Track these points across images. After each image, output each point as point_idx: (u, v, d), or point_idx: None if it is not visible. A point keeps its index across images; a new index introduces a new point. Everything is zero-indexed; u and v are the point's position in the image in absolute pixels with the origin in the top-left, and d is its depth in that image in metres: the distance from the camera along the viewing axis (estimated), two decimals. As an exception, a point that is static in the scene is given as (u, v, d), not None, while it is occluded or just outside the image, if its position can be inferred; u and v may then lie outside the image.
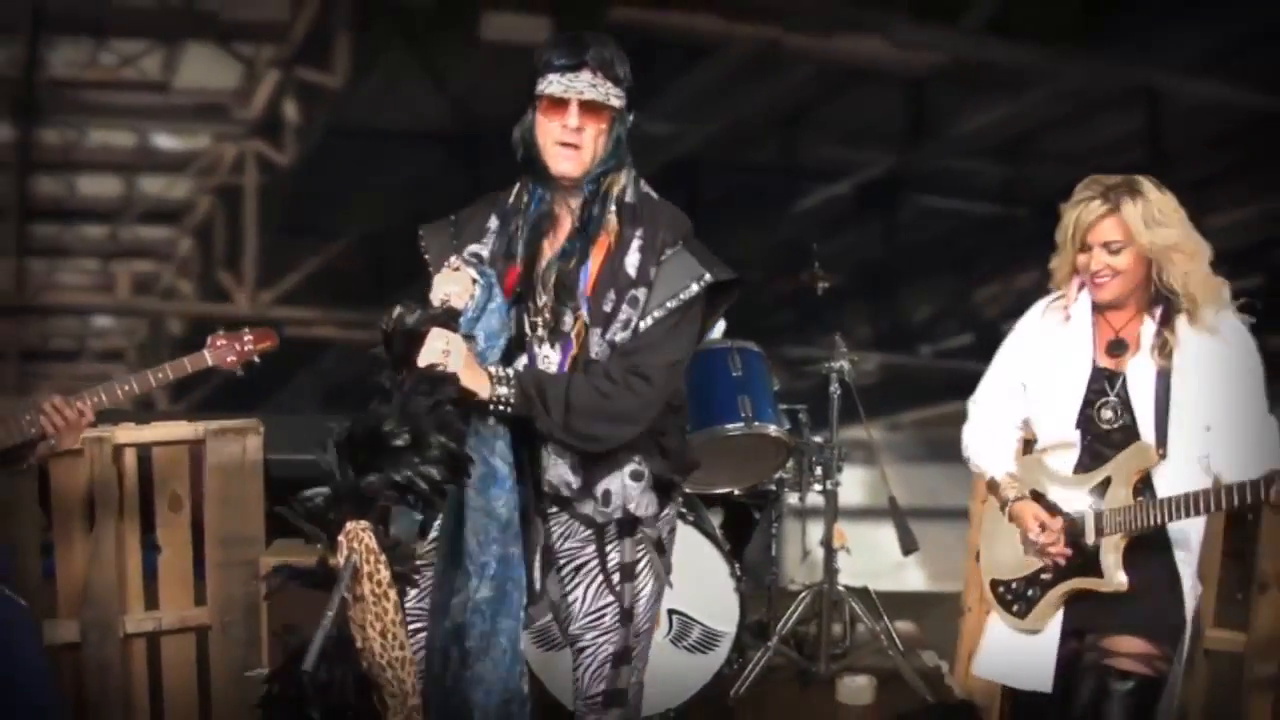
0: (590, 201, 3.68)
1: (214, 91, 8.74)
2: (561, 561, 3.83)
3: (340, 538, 3.29)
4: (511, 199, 3.77)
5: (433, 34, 8.57)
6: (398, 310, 3.45)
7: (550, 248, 3.72)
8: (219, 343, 4.30)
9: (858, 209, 8.69)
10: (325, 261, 8.56)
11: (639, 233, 3.69)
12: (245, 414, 5.26)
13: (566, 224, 3.72)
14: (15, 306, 8.57)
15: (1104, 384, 4.02)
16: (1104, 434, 4.01)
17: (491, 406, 3.53)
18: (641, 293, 3.66)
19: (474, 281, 3.59)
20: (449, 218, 3.84)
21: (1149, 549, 3.95)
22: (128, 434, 5.06)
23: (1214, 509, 3.87)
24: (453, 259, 3.66)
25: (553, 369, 3.67)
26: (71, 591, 5.02)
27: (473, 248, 3.72)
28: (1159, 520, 3.87)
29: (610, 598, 3.80)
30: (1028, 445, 4.32)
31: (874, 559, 6.19)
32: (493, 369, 3.53)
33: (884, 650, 5.74)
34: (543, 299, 3.69)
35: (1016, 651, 4.13)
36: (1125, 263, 3.94)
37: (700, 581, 5.34)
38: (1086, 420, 4.03)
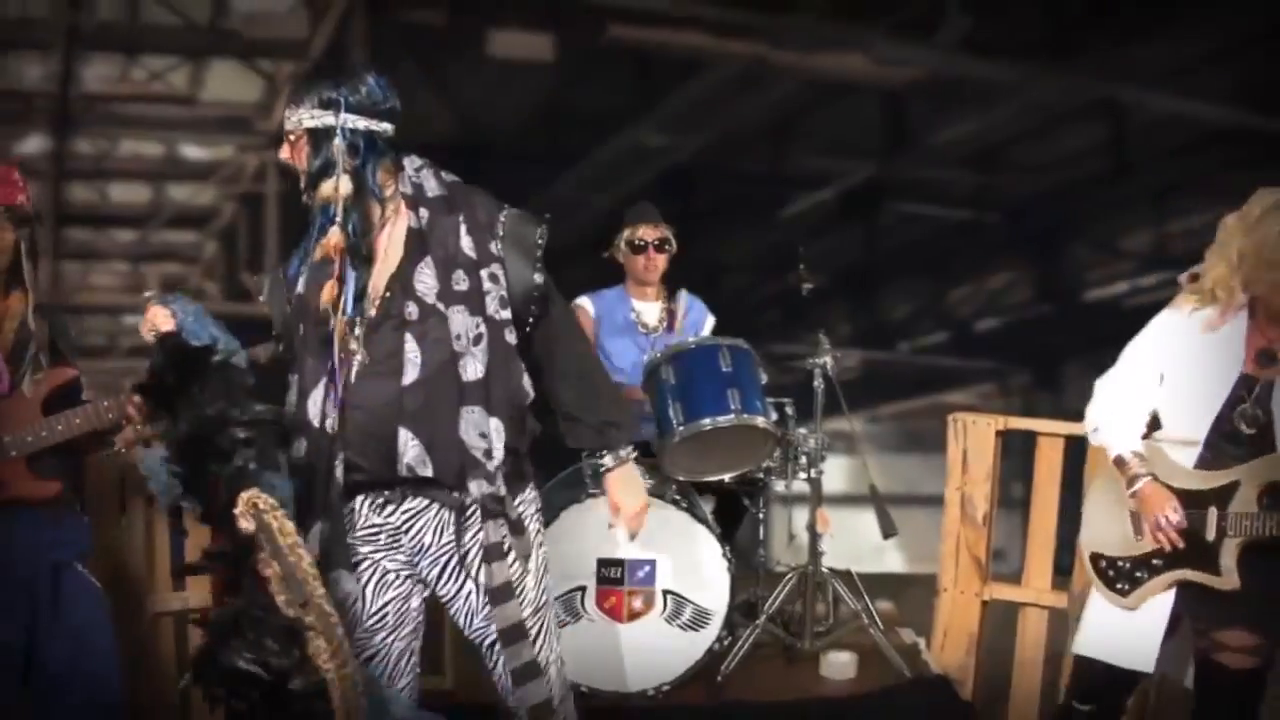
0: (316, 216, 3.69)
1: (237, 105, 8.74)
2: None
3: (237, 510, 3.34)
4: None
5: (442, 51, 8.56)
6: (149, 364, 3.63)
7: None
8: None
9: (840, 215, 8.69)
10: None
11: (463, 214, 3.72)
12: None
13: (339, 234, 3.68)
14: (51, 306, 8.51)
15: (1245, 391, 3.93)
16: (1235, 437, 3.93)
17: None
18: (499, 268, 3.68)
19: (165, 305, 3.69)
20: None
21: (1262, 546, 3.89)
22: (156, 425, 5.05)
23: None
24: (144, 294, 3.75)
25: (362, 364, 3.63)
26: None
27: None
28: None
29: (508, 570, 3.66)
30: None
31: (855, 543, 6.18)
32: (623, 457, 3.81)
33: (865, 628, 5.73)
34: (341, 301, 3.67)
35: (1121, 632, 4.05)
36: None
37: (693, 564, 5.34)
38: (1221, 422, 3.94)
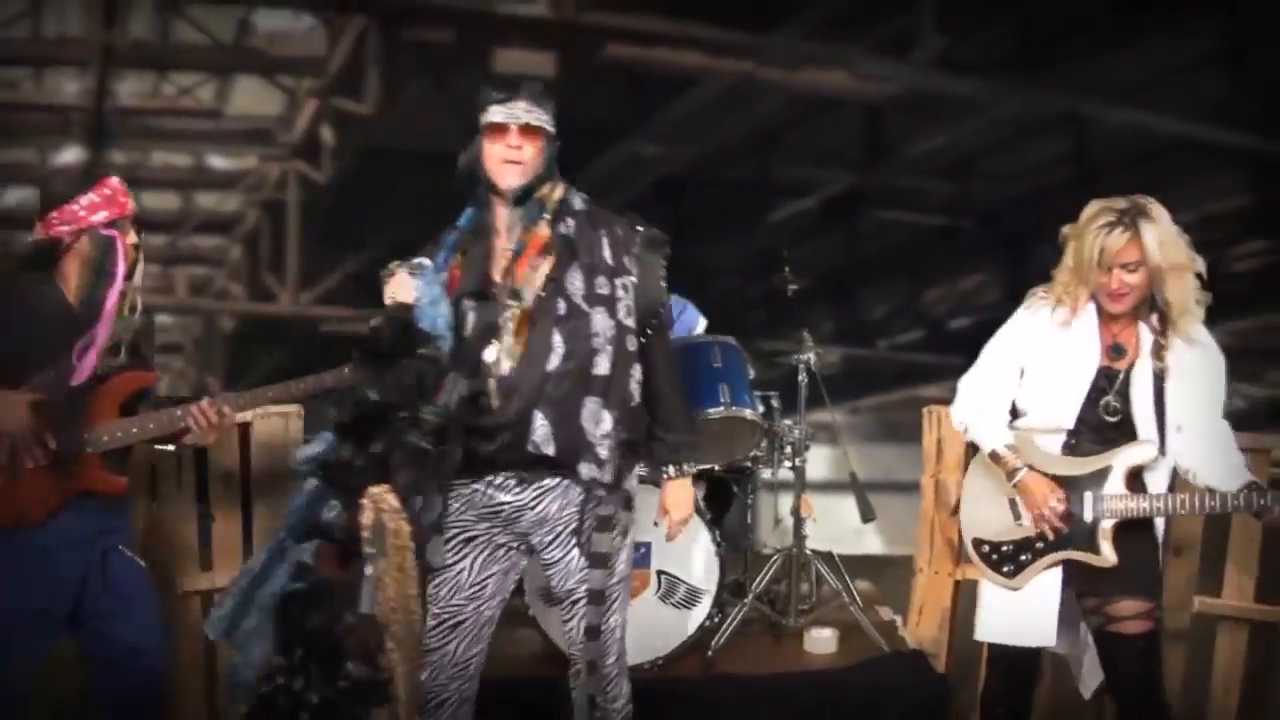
0: (532, 209, 3.83)
1: (260, 118, 8.73)
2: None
3: (364, 501, 3.39)
4: (465, 214, 3.93)
5: (451, 68, 8.56)
6: (373, 320, 3.68)
7: (499, 253, 3.86)
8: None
9: (822, 221, 8.69)
10: (358, 266, 8.54)
11: (604, 229, 3.87)
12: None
13: (509, 230, 3.85)
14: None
15: (1106, 382, 4.00)
16: (1098, 426, 4.00)
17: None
18: (631, 280, 3.86)
19: (413, 275, 3.75)
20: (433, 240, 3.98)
21: (1134, 520, 3.97)
22: (185, 417, 5.04)
23: (1206, 511, 3.95)
24: (391, 265, 3.83)
25: (518, 355, 3.75)
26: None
27: (423, 260, 3.84)
28: (1154, 511, 3.94)
29: (577, 550, 3.86)
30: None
31: (837, 526, 6.17)
32: (685, 471, 3.99)
33: (846, 606, 5.72)
34: (503, 296, 3.80)
35: (1016, 613, 4.08)
36: (1139, 280, 3.92)
37: (685, 546, 5.34)
38: (1085, 412, 4.00)
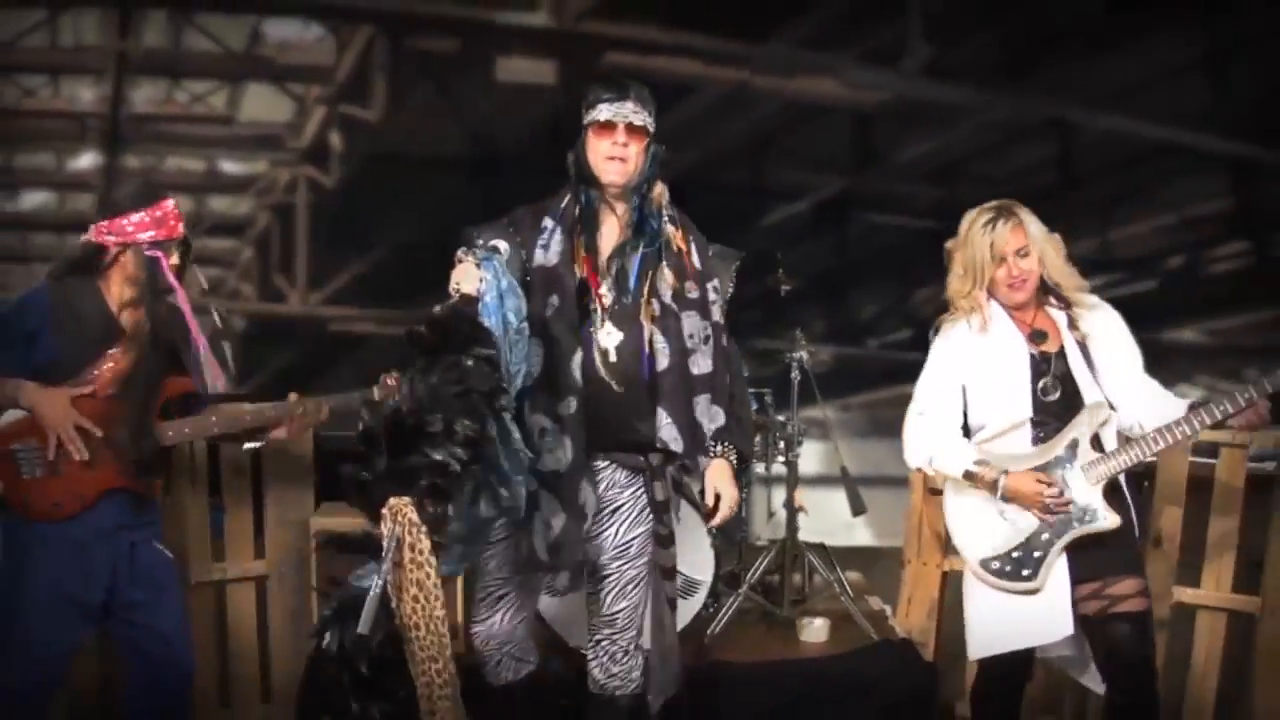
0: (641, 206, 3.89)
1: (271, 124, 8.74)
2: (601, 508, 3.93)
3: (384, 511, 3.29)
4: (564, 205, 3.92)
5: (455, 76, 8.56)
6: (435, 309, 3.45)
7: (606, 243, 3.90)
8: (389, 381, 4.23)
9: (814, 224, 8.69)
10: (365, 267, 8.54)
11: (692, 235, 4.00)
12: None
13: (615, 225, 3.92)
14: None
15: (1045, 366, 4.03)
16: (1048, 407, 4.02)
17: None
18: (716, 283, 4.00)
19: (479, 265, 3.58)
20: (503, 220, 3.93)
21: (1111, 494, 3.98)
22: (198, 414, 5.04)
23: (1175, 442, 3.95)
24: (459, 253, 3.67)
25: (615, 342, 3.83)
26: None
27: (498, 242, 3.76)
28: (1135, 459, 3.95)
29: (640, 529, 3.94)
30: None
31: (828, 519, 6.18)
32: (725, 451, 3.94)
33: (837, 596, 5.73)
34: (605, 285, 3.86)
35: (1023, 615, 3.98)
36: (1031, 265, 4.03)
37: (683, 538, 5.32)
38: (1036, 398, 4.02)
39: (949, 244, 4.17)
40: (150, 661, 4.07)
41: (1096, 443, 3.99)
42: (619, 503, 3.93)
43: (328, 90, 8.68)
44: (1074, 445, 3.97)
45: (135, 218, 3.98)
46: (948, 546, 5.42)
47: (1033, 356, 4.04)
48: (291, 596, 5.12)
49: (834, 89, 8.60)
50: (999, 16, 8.44)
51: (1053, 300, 4.12)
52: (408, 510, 3.29)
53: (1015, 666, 4.16)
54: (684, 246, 3.95)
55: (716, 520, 4.02)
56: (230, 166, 8.86)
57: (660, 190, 3.94)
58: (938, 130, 8.59)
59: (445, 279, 3.63)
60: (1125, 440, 4.01)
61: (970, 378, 4.11)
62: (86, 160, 8.62)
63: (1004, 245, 4.01)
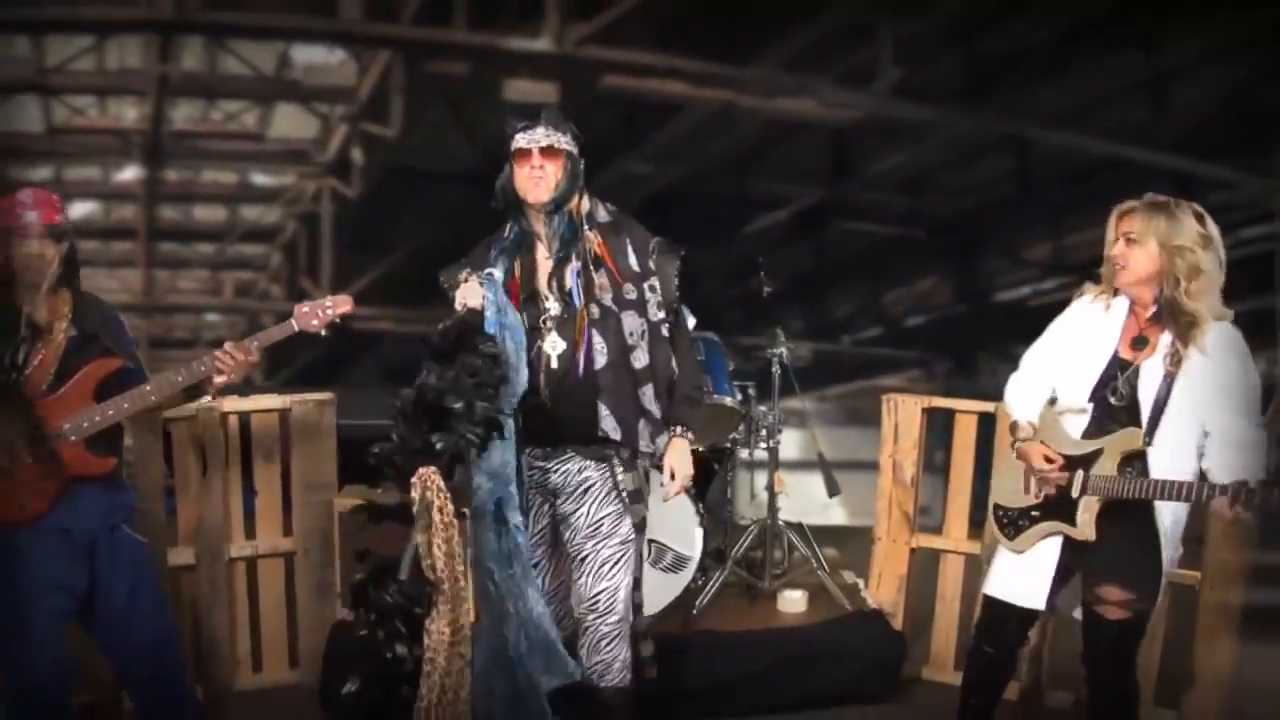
0: (562, 221, 3.90)
1: (298, 140, 8.76)
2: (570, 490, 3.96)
3: (414, 479, 3.41)
4: (505, 234, 3.99)
5: (466, 96, 8.56)
6: (442, 323, 3.66)
7: (542, 261, 3.93)
8: (303, 310, 4.11)
9: (793, 231, 8.67)
10: (384, 271, 8.54)
11: (628, 238, 3.97)
12: (322, 388, 5.24)
13: (549, 242, 3.93)
14: (145, 306, 8.59)
15: (1118, 371, 3.83)
16: (1109, 410, 3.82)
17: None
18: (655, 280, 3.96)
19: (481, 285, 3.75)
20: (460, 261, 4.02)
21: (1132, 510, 3.78)
22: (232, 404, 5.04)
23: (1177, 499, 3.71)
24: (465, 273, 3.87)
25: (559, 350, 3.86)
26: (188, 525, 5.01)
27: (488, 270, 3.85)
28: (1129, 495, 3.71)
29: (610, 508, 3.94)
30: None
31: (806, 500, 6.17)
32: (680, 433, 4.03)
33: (814, 571, 5.73)
34: (549, 299, 3.89)
35: (1017, 577, 3.97)
36: (1138, 254, 3.77)
37: (673, 518, 5.34)
38: (1099, 397, 3.85)
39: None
40: (134, 637, 3.91)
41: (1127, 464, 3.77)
42: (590, 482, 3.94)
43: (350, 109, 8.69)
44: (1096, 454, 3.80)
45: None
46: (915, 525, 5.44)
47: (1116, 356, 3.85)
48: (316, 571, 5.13)
49: (812, 108, 8.59)
50: (962, 43, 8.44)
51: (1176, 325, 3.76)
52: (435, 478, 3.40)
53: (1015, 623, 4.09)
54: (603, 253, 3.94)
55: (673, 491, 4.10)
56: (261, 179, 8.88)
57: (577, 203, 3.95)
58: (907, 145, 8.58)
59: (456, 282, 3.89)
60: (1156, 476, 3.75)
61: (1066, 348, 3.95)
62: (130, 173, 8.65)
63: (1118, 224, 3.81)
